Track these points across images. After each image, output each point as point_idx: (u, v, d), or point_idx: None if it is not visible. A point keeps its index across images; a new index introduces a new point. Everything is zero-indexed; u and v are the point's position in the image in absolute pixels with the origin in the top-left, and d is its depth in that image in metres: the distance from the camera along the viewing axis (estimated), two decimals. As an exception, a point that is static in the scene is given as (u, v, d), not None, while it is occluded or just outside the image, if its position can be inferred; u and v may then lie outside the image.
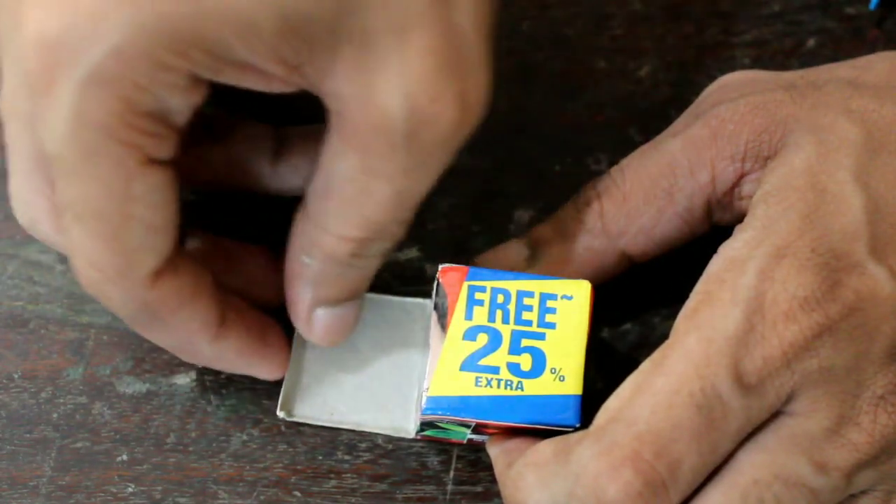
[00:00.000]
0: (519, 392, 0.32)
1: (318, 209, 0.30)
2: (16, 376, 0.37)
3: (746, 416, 0.28)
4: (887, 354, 0.29)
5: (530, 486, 0.30)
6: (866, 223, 0.30)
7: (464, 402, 0.32)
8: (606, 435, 0.29)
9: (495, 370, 0.32)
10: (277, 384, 0.37)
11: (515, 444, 0.32)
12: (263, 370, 0.33)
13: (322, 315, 0.32)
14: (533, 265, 0.34)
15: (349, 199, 0.29)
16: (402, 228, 0.30)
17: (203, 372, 0.37)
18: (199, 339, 0.31)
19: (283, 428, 0.36)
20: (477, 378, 0.32)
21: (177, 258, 0.30)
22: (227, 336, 0.32)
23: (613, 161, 0.37)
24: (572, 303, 0.32)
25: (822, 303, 0.29)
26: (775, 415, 0.29)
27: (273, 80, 0.27)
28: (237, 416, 0.36)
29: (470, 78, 0.27)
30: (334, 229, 0.29)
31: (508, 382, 0.32)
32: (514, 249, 0.35)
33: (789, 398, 0.29)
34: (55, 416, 0.37)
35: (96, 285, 0.29)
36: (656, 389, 0.29)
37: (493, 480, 0.35)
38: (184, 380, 0.37)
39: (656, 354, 0.30)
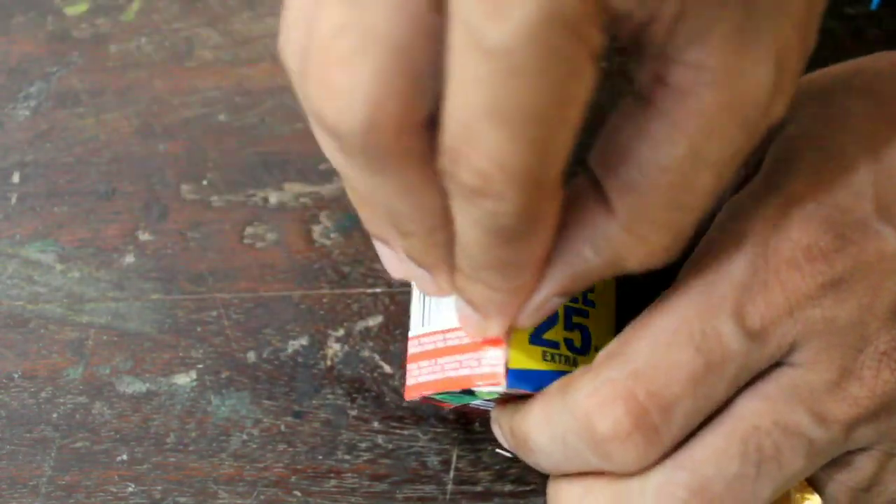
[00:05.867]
0: (573, 368, 0.32)
1: (624, 206, 0.26)
2: (16, 376, 0.37)
3: (745, 362, 0.28)
4: (892, 311, 0.29)
5: (535, 418, 0.30)
6: (871, 182, 0.29)
7: (537, 376, 0.31)
8: (602, 371, 0.29)
9: (556, 345, 0.32)
10: (277, 384, 0.37)
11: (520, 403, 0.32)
12: None
13: (553, 303, 0.29)
14: None
15: (661, 194, 0.25)
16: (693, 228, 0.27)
17: (203, 371, 0.37)
18: (525, 274, 0.27)
19: (282, 428, 0.36)
20: (543, 352, 0.31)
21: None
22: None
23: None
24: (605, 282, 0.32)
25: (827, 253, 0.28)
26: (777, 364, 0.29)
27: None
28: (237, 415, 0.36)
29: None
30: (639, 230, 0.26)
31: (566, 358, 0.32)
32: None
33: (791, 348, 0.29)
34: (55, 415, 0.37)
35: (496, 186, 0.24)
36: (656, 328, 0.29)
37: (493, 480, 0.35)
38: (184, 380, 0.37)
39: (659, 298, 0.30)
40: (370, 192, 0.26)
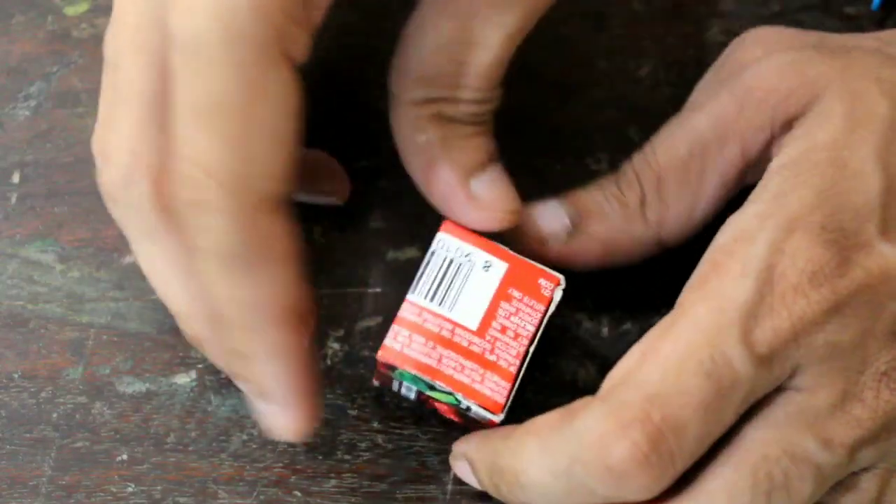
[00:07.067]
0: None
1: (403, 84, 0.30)
2: (16, 376, 0.37)
3: (752, 386, 0.28)
4: (892, 332, 0.29)
5: (531, 452, 0.30)
6: (880, 204, 0.29)
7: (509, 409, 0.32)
8: (614, 397, 0.28)
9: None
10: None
11: (487, 432, 0.32)
12: (290, 409, 0.30)
13: (480, 186, 0.32)
14: (572, 238, 0.33)
15: (442, 57, 0.30)
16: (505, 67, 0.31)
17: (203, 371, 0.37)
18: (269, 314, 0.28)
19: (282, 428, 0.36)
20: (519, 385, 0.32)
21: (286, 203, 0.27)
22: (294, 334, 0.29)
23: (613, 161, 0.37)
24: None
25: (831, 279, 0.28)
26: (780, 390, 0.29)
27: None
28: (237, 415, 0.36)
29: None
30: (431, 81, 0.30)
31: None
32: (556, 215, 0.34)
33: (794, 372, 0.29)
34: (55, 415, 0.37)
35: (207, 195, 0.26)
36: (665, 355, 0.28)
37: (493, 480, 0.35)
38: (184, 379, 0.37)
39: (663, 322, 0.29)
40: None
